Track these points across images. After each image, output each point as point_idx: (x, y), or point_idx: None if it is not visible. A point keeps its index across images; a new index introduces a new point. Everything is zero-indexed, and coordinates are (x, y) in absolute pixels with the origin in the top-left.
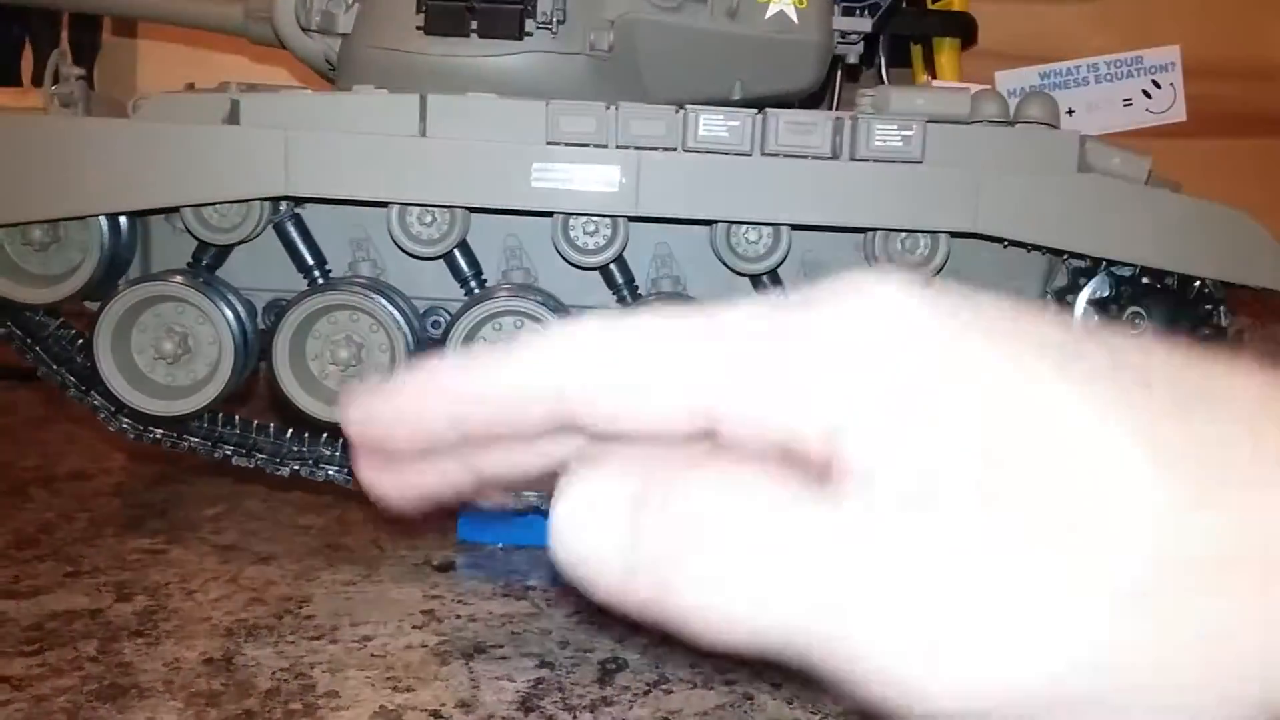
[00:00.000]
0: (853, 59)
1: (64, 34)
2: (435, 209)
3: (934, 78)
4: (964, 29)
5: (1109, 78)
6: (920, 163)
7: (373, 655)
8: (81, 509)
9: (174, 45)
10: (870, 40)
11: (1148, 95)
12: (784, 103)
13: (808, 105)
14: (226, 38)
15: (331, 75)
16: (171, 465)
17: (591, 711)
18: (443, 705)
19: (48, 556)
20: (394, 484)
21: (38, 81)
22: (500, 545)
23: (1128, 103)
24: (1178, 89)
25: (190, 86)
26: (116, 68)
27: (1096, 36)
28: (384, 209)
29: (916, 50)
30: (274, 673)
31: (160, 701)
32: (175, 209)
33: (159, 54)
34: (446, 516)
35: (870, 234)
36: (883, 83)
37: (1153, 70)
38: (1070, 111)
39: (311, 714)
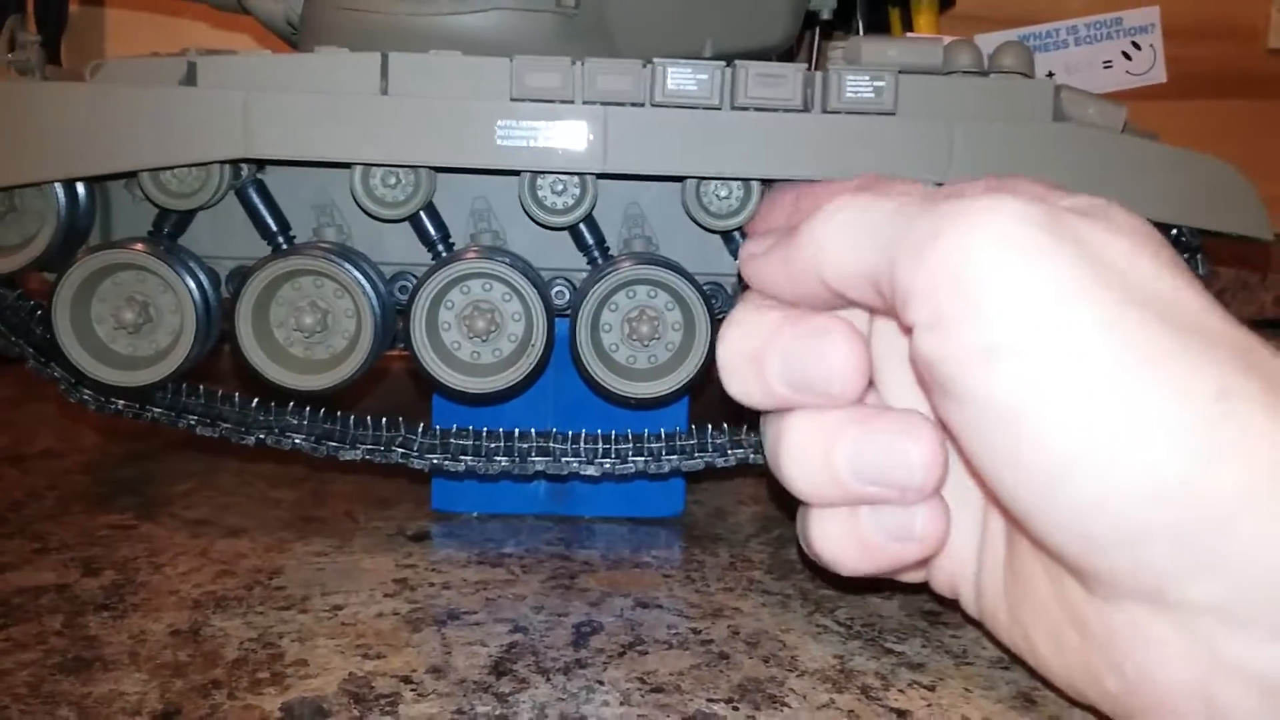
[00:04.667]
0: (826, 14)
1: (30, 6)
2: (399, 170)
3: None
4: None
5: (1088, 39)
6: (893, 114)
7: (343, 624)
8: (51, 487)
9: (143, 15)
10: (846, 1)
11: (1128, 57)
12: (757, 59)
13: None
14: (190, 5)
15: (294, 38)
16: (143, 443)
17: (565, 674)
18: (413, 671)
19: (15, 534)
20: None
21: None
22: (475, 514)
23: (1108, 65)
24: (1158, 50)
25: (154, 55)
26: (85, 40)
27: None
28: (348, 172)
29: (895, 13)
30: (241, 643)
31: (125, 673)
32: (133, 174)
33: (128, 24)
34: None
35: None
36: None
37: (1132, 31)
38: (1050, 74)
39: (279, 683)
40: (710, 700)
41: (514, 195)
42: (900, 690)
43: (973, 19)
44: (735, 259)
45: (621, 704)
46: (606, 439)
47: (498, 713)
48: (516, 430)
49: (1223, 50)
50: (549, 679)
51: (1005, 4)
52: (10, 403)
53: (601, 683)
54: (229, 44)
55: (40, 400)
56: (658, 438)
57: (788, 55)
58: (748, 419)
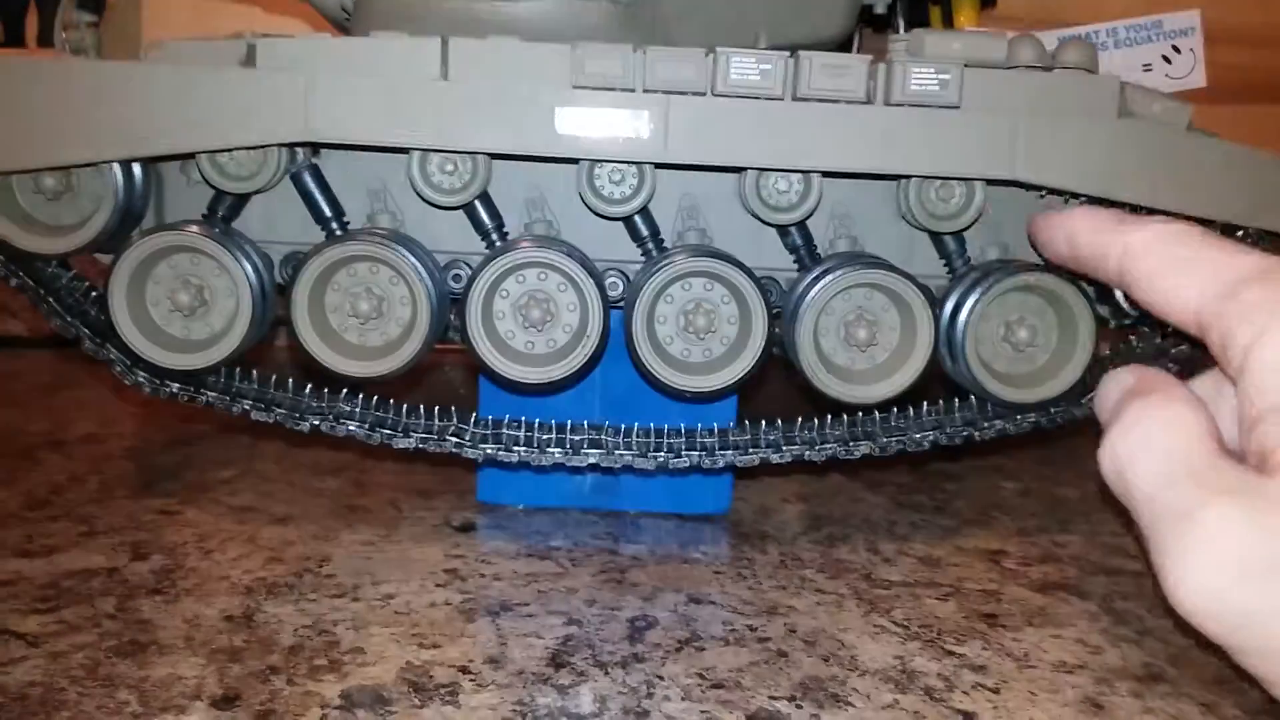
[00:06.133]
0: (881, 9)
1: None
2: (457, 156)
3: None
4: None
5: (1128, 42)
6: (957, 108)
7: (396, 613)
8: (93, 471)
9: None
10: None
11: (1167, 61)
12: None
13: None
14: None
15: (347, 24)
16: (183, 428)
17: (623, 667)
18: (471, 661)
19: (60, 517)
20: None
21: (43, 42)
22: (521, 507)
23: (1147, 68)
24: (1198, 54)
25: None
26: (121, 22)
27: (1115, 0)
28: (404, 158)
29: (935, 12)
30: (296, 629)
31: (182, 658)
32: (191, 155)
33: (164, 6)
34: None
35: (903, 183)
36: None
37: (1172, 35)
38: None
39: (336, 670)
40: (772, 698)
41: (568, 184)
42: (964, 692)
43: (1012, 20)
44: (790, 254)
45: (683, 699)
46: (660, 432)
47: (559, 704)
48: (569, 422)
49: (1262, 55)
50: (607, 672)
51: (1045, 5)
52: (45, 388)
53: (661, 677)
54: (269, 27)
55: (75, 386)
56: (711, 432)
57: (839, 50)
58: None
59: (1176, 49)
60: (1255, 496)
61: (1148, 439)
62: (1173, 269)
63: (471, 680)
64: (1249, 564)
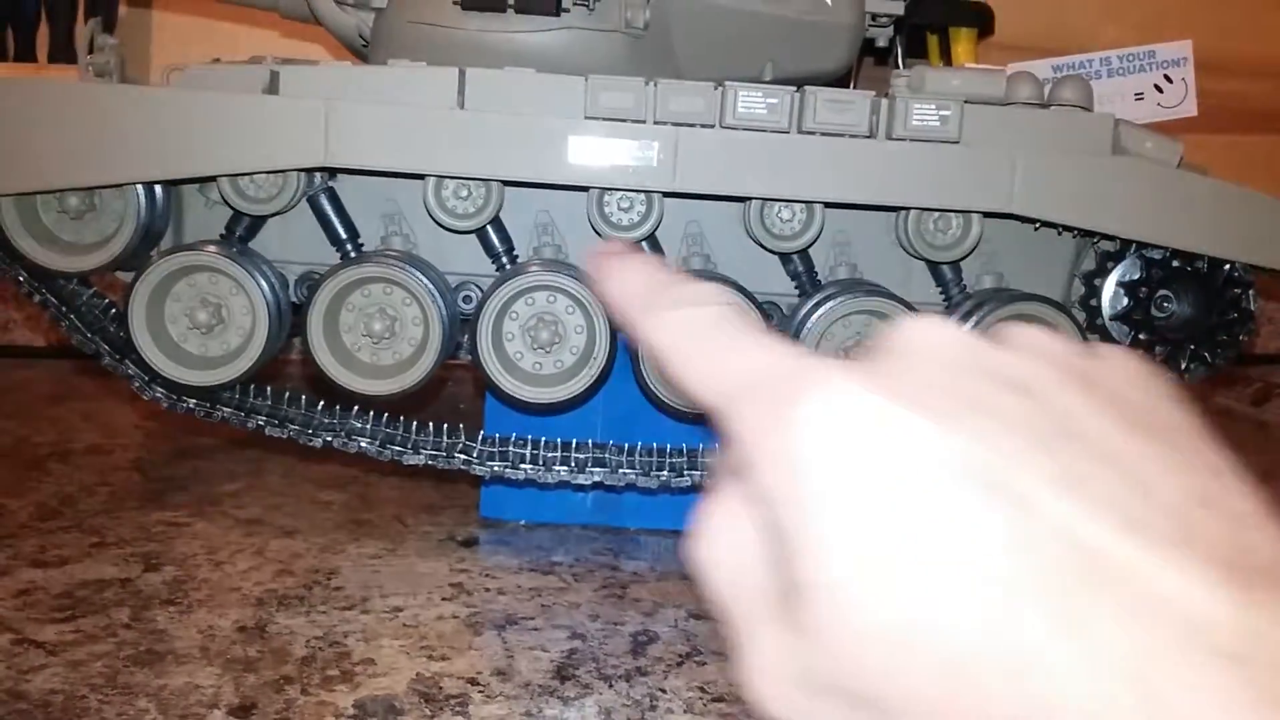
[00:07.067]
0: (883, 42)
1: (81, 7)
2: (471, 182)
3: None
4: (982, 20)
5: (1121, 71)
6: (957, 143)
7: (405, 625)
8: (101, 482)
9: (190, 19)
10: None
11: (1159, 90)
12: (814, 84)
13: (835, 88)
14: (257, 13)
15: (364, 51)
16: (189, 440)
17: (627, 681)
18: (479, 673)
19: (71, 528)
20: None
21: (54, 58)
22: (523, 522)
23: (1139, 97)
24: (1189, 84)
25: (217, 62)
26: (130, 42)
27: (1109, 29)
28: (417, 183)
29: (933, 41)
30: (308, 641)
31: (198, 667)
32: (212, 179)
33: (174, 27)
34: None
35: (903, 214)
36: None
37: (1165, 65)
38: None
39: (349, 680)
40: None
41: (576, 209)
42: None
43: (1008, 48)
44: (791, 280)
45: (685, 712)
46: (663, 452)
47: (565, 716)
48: (574, 441)
49: (1253, 86)
50: (612, 685)
51: (1040, 34)
52: (51, 399)
53: (664, 691)
54: (283, 50)
55: (80, 396)
56: (713, 451)
57: (841, 81)
58: None
59: (1169, 78)
60: (788, 626)
61: (705, 548)
62: (692, 369)
63: (480, 692)
64: (795, 696)
